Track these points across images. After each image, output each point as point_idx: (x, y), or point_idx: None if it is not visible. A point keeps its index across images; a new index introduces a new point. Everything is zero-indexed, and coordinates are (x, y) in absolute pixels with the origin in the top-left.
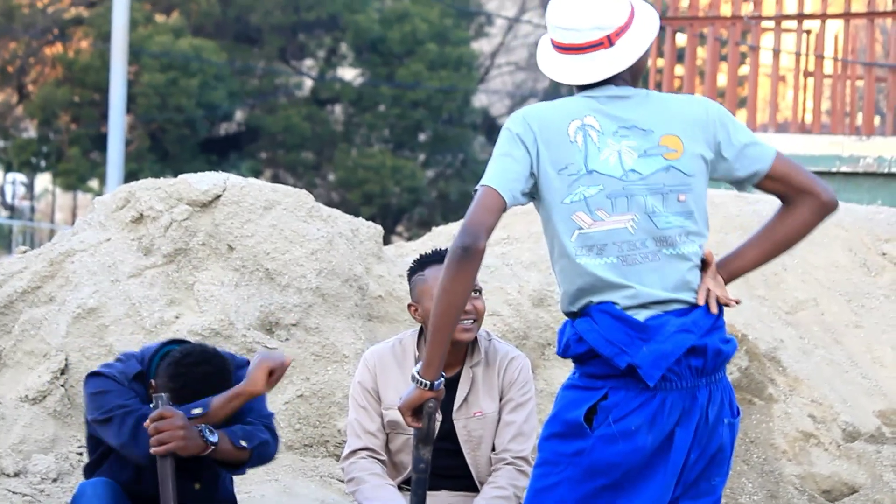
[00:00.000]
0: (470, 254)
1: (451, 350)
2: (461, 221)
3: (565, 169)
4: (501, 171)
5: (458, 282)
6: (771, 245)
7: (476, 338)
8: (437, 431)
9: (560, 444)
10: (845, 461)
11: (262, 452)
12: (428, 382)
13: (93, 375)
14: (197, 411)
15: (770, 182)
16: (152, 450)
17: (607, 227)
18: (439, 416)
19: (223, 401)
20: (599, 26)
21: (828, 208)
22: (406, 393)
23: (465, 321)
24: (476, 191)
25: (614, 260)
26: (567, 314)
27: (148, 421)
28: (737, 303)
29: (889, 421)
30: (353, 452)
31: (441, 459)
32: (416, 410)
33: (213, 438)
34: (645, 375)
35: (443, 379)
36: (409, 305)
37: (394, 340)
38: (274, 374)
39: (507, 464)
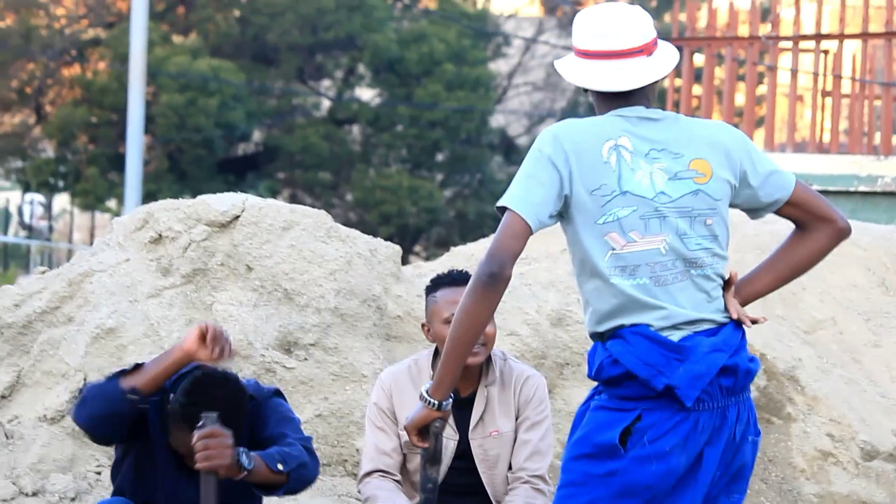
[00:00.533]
0: (496, 281)
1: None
2: (486, 247)
3: (598, 189)
4: (527, 194)
5: (482, 308)
6: (787, 270)
7: (491, 357)
8: (445, 451)
9: (589, 465)
10: (864, 480)
11: (301, 475)
12: (436, 402)
13: None
14: (130, 366)
15: (790, 208)
16: (198, 465)
17: (640, 249)
18: (455, 436)
19: (154, 363)
20: (642, 33)
21: (843, 234)
22: (413, 412)
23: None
24: (499, 209)
25: (646, 281)
26: (593, 335)
27: (197, 438)
28: (764, 320)
29: None
30: (368, 474)
31: (457, 478)
32: (422, 430)
33: (248, 464)
34: (682, 396)
35: (451, 400)
36: (423, 325)
37: (409, 361)
38: (207, 336)
39: (524, 482)
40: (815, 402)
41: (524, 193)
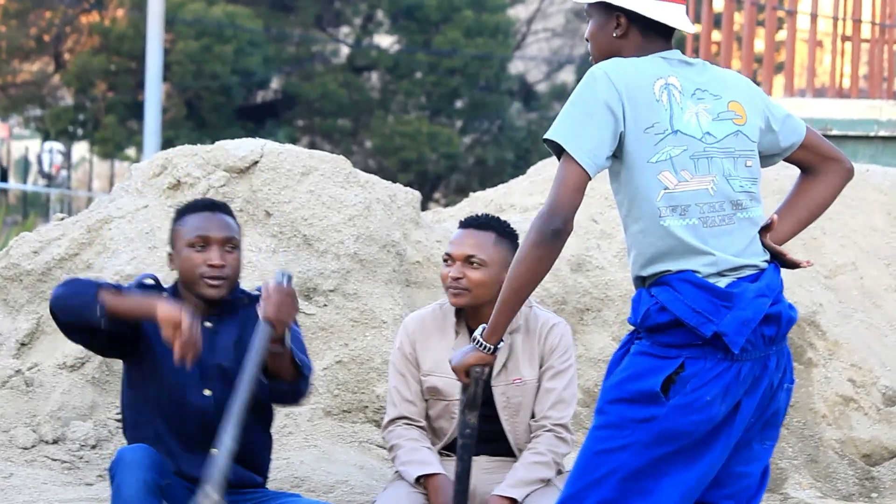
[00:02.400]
0: (561, 237)
1: (483, 313)
2: (549, 192)
3: (651, 128)
4: (584, 136)
5: (546, 263)
6: (808, 213)
7: None
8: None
9: (628, 409)
10: (885, 425)
11: (305, 385)
12: (490, 346)
13: None
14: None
15: (802, 151)
16: (268, 314)
17: (691, 188)
18: None
19: (133, 299)
20: None
21: (850, 174)
22: (462, 353)
23: (455, 288)
24: (551, 146)
25: (696, 221)
26: (636, 278)
27: (275, 289)
28: (810, 263)
29: None
30: (392, 421)
31: (481, 425)
32: (468, 371)
33: (289, 341)
34: (730, 343)
35: (502, 344)
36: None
37: (434, 306)
38: (181, 330)
39: (547, 430)
40: (835, 347)
41: (581, 134)
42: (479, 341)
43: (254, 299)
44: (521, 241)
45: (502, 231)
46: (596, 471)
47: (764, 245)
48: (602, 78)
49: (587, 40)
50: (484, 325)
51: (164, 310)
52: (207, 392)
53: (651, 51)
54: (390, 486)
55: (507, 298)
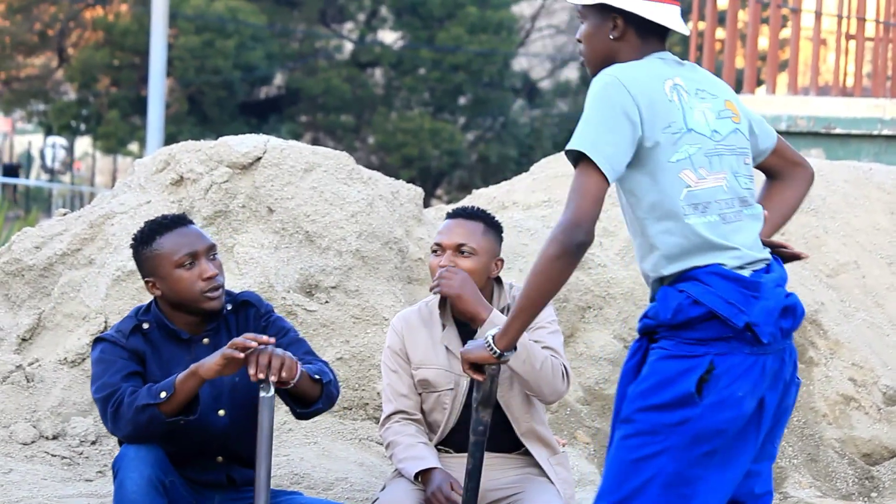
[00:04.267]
0: (584, 249)
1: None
2: (566, 203)
3: (668, 127)
4: (603, 144)
5: (566, 274)
6: (780, 218)
7: (503, 286)
8: (459, 389)
9: (661, 415)
10: (886, 425)
11: (331, 391)
12: (498, 352)
13: (97, 341)
14: (163, 395)
15: (773, 157)
16: (277, 379)
17: (710, 185)
18: None
19: (184, 377)
20: None
21: (813, 178)
22: (474, 345)
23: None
24: (571, 156)
25: (716, 218)
26: (656, 279)
27: (262, 359)
28: (807, 255)
29: None
30: (388, 417)
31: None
32: (475, 365)
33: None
34: (760, 333)
35: (514, 352)
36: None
37: (419, 304)
38: (230, 364)
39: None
40: (837, 346)
41: (601, 143)
42: (489, 344)
43: (237, 302)
44: (510, 236)
45: (489, 222)
46: (636, 478)
47: (763, 241)
48: (615, 85)
49: (579, 41)
50: (498, 327)
51: (208, 370)
52: (222, 412)
53: (647, 52)
54: (391, 484)
55: (524, 308)
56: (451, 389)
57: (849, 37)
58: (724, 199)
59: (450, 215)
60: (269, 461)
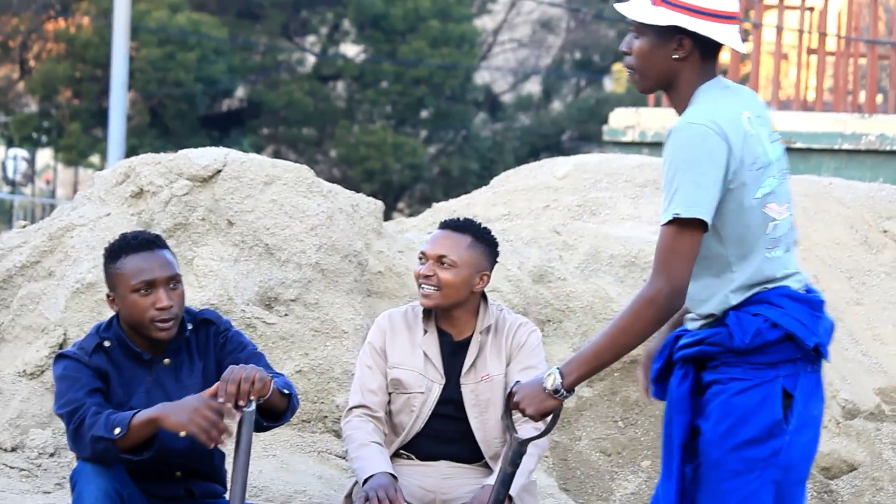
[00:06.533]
0: (675, 310)
1: (453, 315)
2: (664, 266)
3: (754, 164)
4: (705, 200)
5: (653, 330)
6: None
7: (489, 306)
8: (430, 395)
9: (751, 451)
10: (845, 439)
11: (295, 404)
12: (566, 394)
13: (59, 357)
14: (117, 431)
15: None
16: (250, 396)
17: (784, 216)
18: (441, 380)
19: (142, 421)
20: None
21: None
22: (532, 389)
23: (426, 286)
24: (678, 219)
25: (785, 248)
26: (726, 309)
27: (236, 376)
28: None
29: (889, 399)
30: (350, 410)
31: (444, 424)
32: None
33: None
34: (825, 352)
35: (573, 394)
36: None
37: (408, 306)
38: (204, 418)
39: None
40: None
41: (701, 199)
42: (558, 388)
43: (198, 321)
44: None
45: (479, 236)
46: None
47: None
48: (712, 137)
49: (626, 54)
50: (559, 368)
51: (172, 424)
52: (183, 433)
53: (707, 72)
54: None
55: (602, 355)
56: (422, 393)
57: (810, 51)
58: (790, 229)
59: (441, 226)
60: (245, 475)
